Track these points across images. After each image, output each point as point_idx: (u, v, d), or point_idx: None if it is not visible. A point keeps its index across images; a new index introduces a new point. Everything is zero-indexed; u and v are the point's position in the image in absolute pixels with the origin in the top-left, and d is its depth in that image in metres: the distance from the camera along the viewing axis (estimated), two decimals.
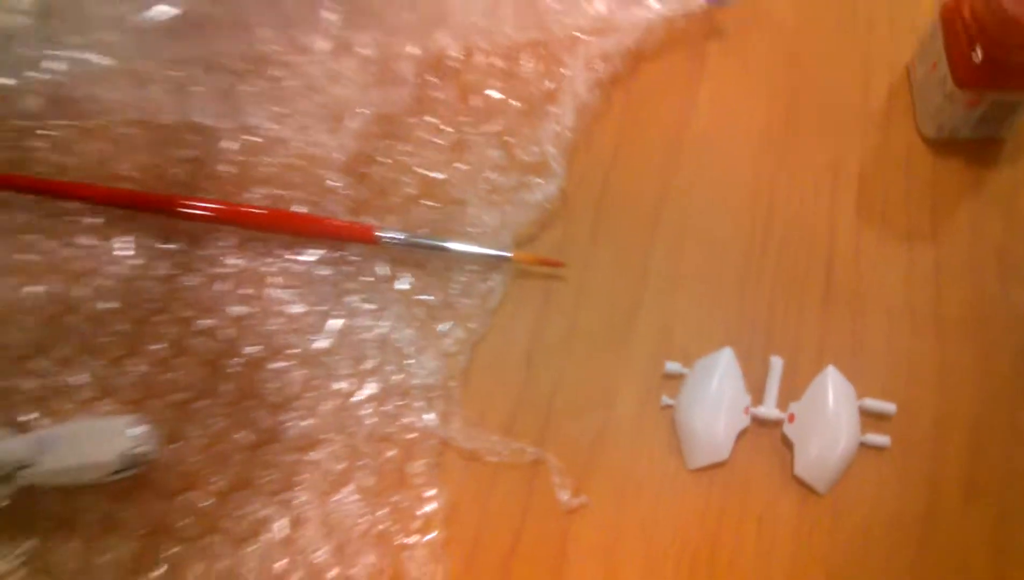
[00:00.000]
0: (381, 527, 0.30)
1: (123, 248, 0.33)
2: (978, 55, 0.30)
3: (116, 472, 0.30)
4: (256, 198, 0.33)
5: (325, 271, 0.33)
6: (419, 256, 0.33)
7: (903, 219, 0.33)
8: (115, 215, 0.33)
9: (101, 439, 0.30)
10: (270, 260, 0.33)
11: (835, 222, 0.33)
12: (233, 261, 0.33)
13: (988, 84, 0.30)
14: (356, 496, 0.30)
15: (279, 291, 0.32)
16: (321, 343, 0.32)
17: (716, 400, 0.30)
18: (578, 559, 0.29)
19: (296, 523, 0.30)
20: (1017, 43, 0.28)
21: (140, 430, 0.30)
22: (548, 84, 0.34)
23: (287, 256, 0.33)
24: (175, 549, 0.30)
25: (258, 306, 0.32)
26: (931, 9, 0.32)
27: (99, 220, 0.34)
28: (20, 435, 0.30)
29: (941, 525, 0.29)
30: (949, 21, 0.31)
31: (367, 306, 0.32)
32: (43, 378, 0.32)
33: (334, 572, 0.29)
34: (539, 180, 0.33)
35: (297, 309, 0.32)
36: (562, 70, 0.34)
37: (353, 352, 0.32)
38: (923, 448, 0.30)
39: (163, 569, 0.30)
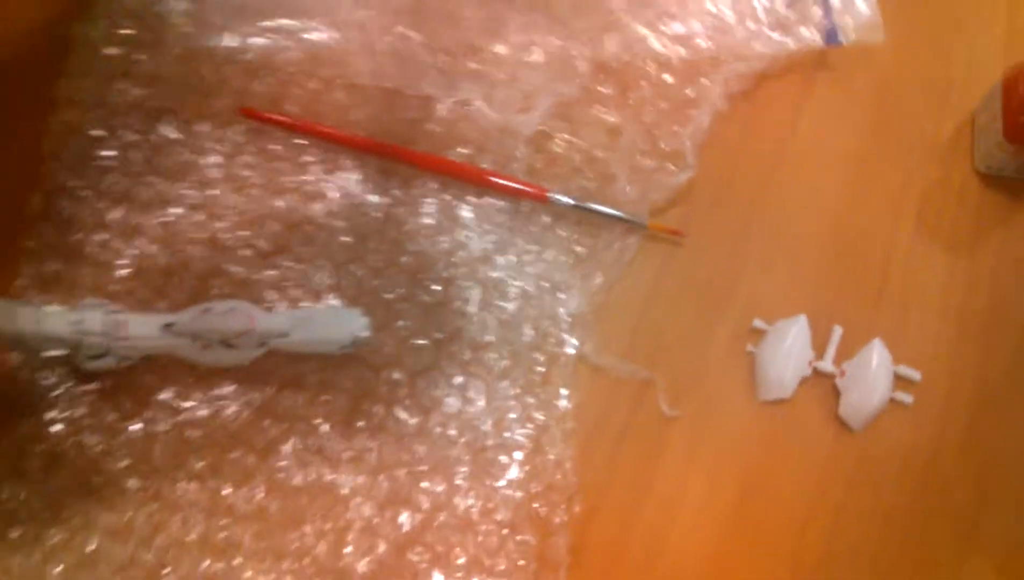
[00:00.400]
0: (528, 412, 0.41)
1: (349, 179, 0.43)
2: None
3: (341, 348, 0.40)
4: (456, 155, 0.43)
5: (502, 218, 0.43)
6: (575, 215, 0.42)
7: (949, 234, 0.43)
8: (345, 152, 0.43)
9: (336, 322, 0.40)
10: (462, 204, 0.43)
11: (896, 230, 0.43)
12: (434, 201, 0.43)
13: None
14: (512, 389, 0.41)
15: (466, 229, 0.42)
16: (494, 273, 0.42)
17: (788, 352, 0.41)
18: (668, 458, 0.40)
19: (466, 402, 0.41)
20: None
21: (364, 319, 0.40)
22: (690, 92, 0.43)
23: (475, 202, 0.43)
24: (376, 408, 0.41)
25: (450, 238, 0.42)
26: (998, 72, 0.42)
27: (329, 154, 0.44)
28: (282, 312, 0.41)
29: (940, 468, 0.40)
30: (1008, 88, 0.40)
31: (531, 247, 0.42)
32: (285, 271, 0.42)
33: (492, 441, 0.40)
34: (674, 167, 0.43)
35: (478, 244, 0.42)
36: (703, 80, 0.43)
37: (518, 282, 0.42)
38: (935, 409, 0.41)
39: (365, 422, 0.41)
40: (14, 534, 0.40)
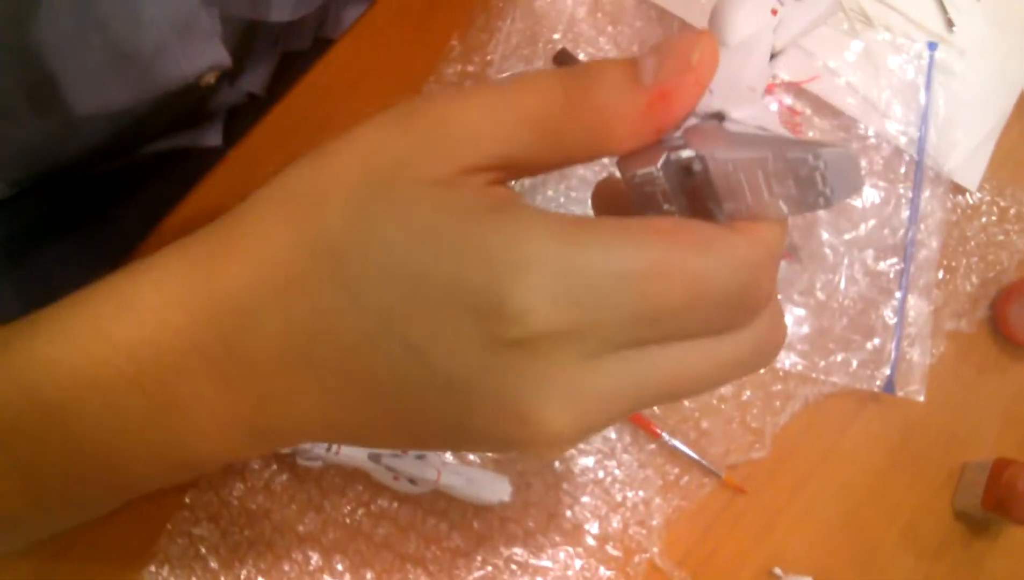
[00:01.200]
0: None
1: None
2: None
3: (485, 502, 0.54)
4: None
5: (625, 436, 0.57)
6: (672, 451, 0.57)
7: (922, 546, 0.59)
8: None
9: (489, 484, 0.54)
10: None
11: (887, 532, 0.59)
12: None
13: (998, 511, 0.56)
14: (597, 567, 0.55)
15: (592, 438, 0.57)
16: (603, 474, 0.56)
17: None
18: None
19: (562, 564, 0.55)
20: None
21: (509, 487, 0.54)
22: (777, 389, 0.58)
23: None
24: (492, 547, 0.55)
25: None
26: (993, 450, 0.58)
27: None
28: (455, 467, 0.54)
29: None
30: (995, 471, 0.56)
31: (635, 463, 0.57)
32: None
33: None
34: (754, 440, 0.58)
35: (597, 450, 0.57)
36: (791, 386, 0.59)
37: (620, 487, 0.56)
38: None
39: (482, 558, 0.54)
40: (197, 565, 0.52)
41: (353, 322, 0.26)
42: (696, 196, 0.26)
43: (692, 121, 0.27)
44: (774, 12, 0.30)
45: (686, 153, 0.26)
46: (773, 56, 0.30)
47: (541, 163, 0.27)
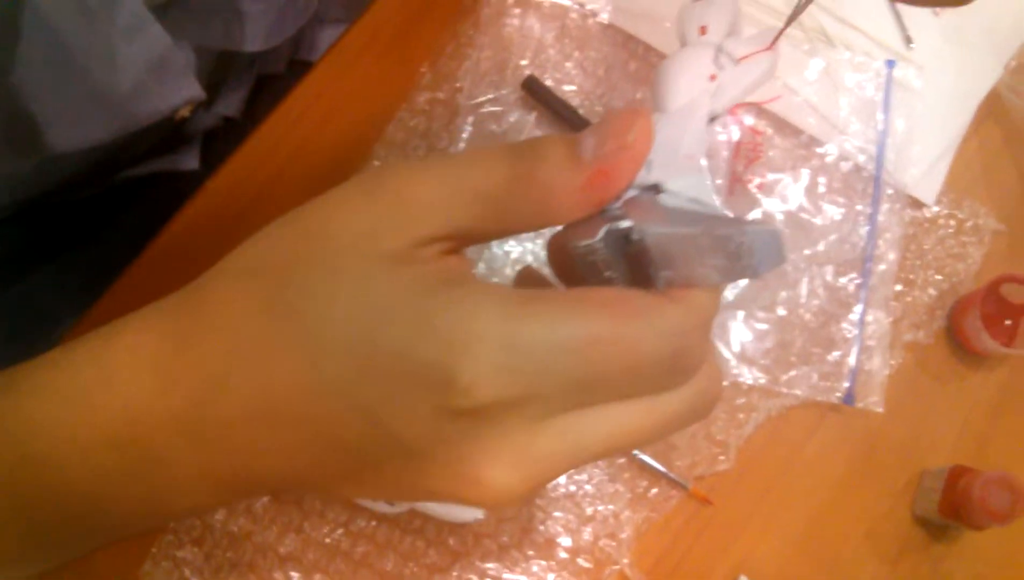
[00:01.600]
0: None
1: None
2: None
3: (460, 520, 0.56)
4: None
5: None
6: (640, 465, 0.59)
7: (884, 550, 0.61)
8: None
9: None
10: None
11: (848, 538, 0.61)
12: None
13: (955, 517, 0.58)
14: (568, 577, 0.57)
15: None
16: (575, 488, 0.58)
17: None
18: None
19: (533, 576, 0.57)
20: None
21: (480, 513, 0.56)
22: (740, 402, 0.60)
23: None
24: (467, 562, 0.56)
25: None
26: (948, 457, 0.60)
27: None
28: None
29: None
30: (951, 479, 0.58)
31: (604, 478, 0.59)
32: None
33: None
34: (719, 452, 0.60)
35: None
36: (753, 399, 0.61)
37: (590, 501, 0.58)
38: None
39: (459, 573, 0.56)
40: None
41: (314, 388, 0.28)
42: (635, 262, 0.28)
43: (631, 193, 0.28)
44: (713, 77, 0.31)
45: (624, 224, 0.27)
46: (712, 120, 0.31)
47: (491, 233, 0.29)
